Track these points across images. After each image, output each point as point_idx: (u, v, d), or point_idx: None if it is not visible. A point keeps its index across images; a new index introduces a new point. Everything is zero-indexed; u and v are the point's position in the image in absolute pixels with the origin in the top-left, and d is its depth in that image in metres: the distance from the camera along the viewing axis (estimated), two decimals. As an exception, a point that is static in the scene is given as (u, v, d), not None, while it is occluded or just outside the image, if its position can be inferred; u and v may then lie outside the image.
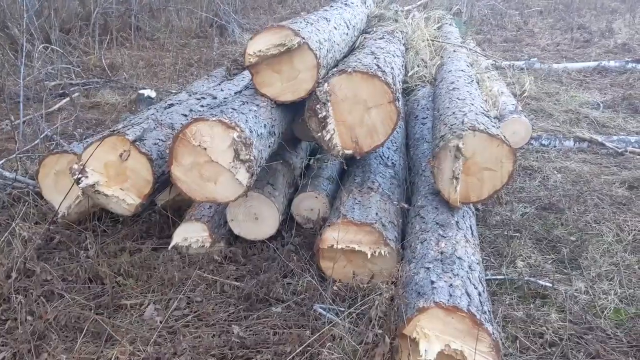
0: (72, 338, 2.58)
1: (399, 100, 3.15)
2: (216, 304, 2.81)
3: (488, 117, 3.24)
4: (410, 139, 4.40)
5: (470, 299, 2.26)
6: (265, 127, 2.85)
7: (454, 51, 5.56)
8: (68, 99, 6.09)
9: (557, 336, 2.57)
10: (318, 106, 3.01)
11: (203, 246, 3.21)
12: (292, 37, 2.95)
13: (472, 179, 2.96)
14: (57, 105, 5.99)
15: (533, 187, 4.20)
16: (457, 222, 2.89)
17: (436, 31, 6.89)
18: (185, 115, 3.60)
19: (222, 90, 4.33)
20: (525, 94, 5.98)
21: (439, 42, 5.90)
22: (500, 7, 12.20)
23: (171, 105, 3.85)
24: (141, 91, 6.20)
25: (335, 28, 3.67)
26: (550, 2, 12.72)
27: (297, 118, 3.49)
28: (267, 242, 3.25)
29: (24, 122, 4.89)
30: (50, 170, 3.40)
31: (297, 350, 2.31)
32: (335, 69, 3.14)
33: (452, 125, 3.08)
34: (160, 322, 2.67)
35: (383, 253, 2.83)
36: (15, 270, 2.93)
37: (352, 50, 4.17)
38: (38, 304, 2.74)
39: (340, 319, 2.41)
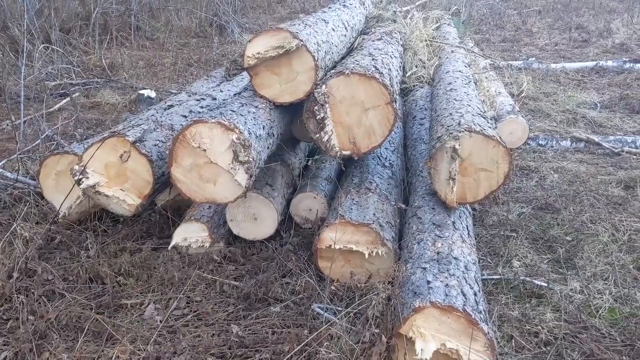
0: (73, 337, 2.61)
1: (396, 102, 3.18)
2: (215, 304, 2.84)
3: (484, 118, 3.28)
4: (408, 140, 4.43)
5: (465, 298, 2.29)
6: (264, 128, 2.89)
7: (452, 52, 5.59)
8: (68, 99, 6.12)
9: (552, 335, 2.61)
10: (316, 107, 3.04)
11: (203, 246, 3.24)
12: (290, 39, 2.98)
13: (469, 179, 3.00)
14: (57, 105, 6.02)
15: (530, 187, 4.24)
16: (453, 223, 2.92)
17: (434, 31, 6.93)
18: (185, 117, 3.63)
19: (221, 91, 4.36)
20: (522, 94, 6.01)
21: (437, 42, 5.93)
22: (499, 6, 12.23)
23: (171, 106, 3.87)
24: (141, 91, 6.24)
25: (334, 30, 3.71)
26: (548, 1, 12.74)
27: (295, 119, 3.53)
28: (266, 242, 3.29)
29: (24, 122, 4.91)
30: (51, 171, 3.43)
31: (296, 350, 2.35)
32: (333, 71, 3.17)
33: (448, 126, 3.11)
34: (160, 322, 2.70)
35: (380, 253, 2.87)
36: (17, 270, 2.96)
37: (350, 51, 4.20)
38: (39, 303, 2.77)
39: (338, 319, 2.44)
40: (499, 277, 3.06)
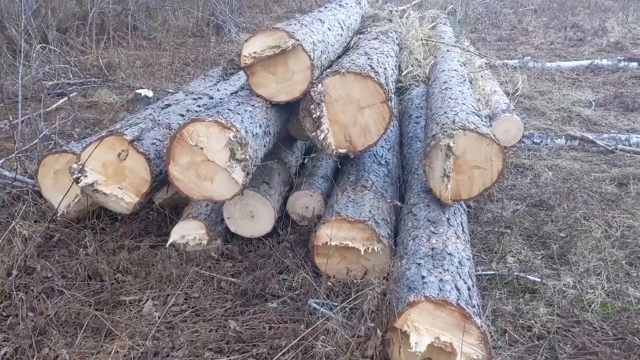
0: (73, 333, 2.64)
1: (391, 100, 3.22)
2: (213, 300, 2.88)
3: (479, 116, 3.31)
4: (404, 138, 4.47)
5: (459, 293, 2.33)
6: (260, 127, 2.92)
7: (448, 51, 5.63)
8: (66, 98, 6.14)
9: (545, 329, 2.65)
10: (312, 106, 3.08)
11: (200, 244, 3.27)
12: (286, 39, 3.01)
13: (463, 177, 3.03)
14: (55, 105, 6.04)
15: (524, 185, 4.28)
16: (448, 219, 2.96)
17: (430, 31, 6.97)
18: (182, 115, 3.66)
19: (218, 90, 4.39)
20: (517, 93, 6.05)
21: (432, 41, 5.96)
22: (495, 5, 12.27)
23: (168, 105, 3.90)
24: (138, 91, 6.26)
25: (330, 29, 3.74)
26: (544, 0, 12.79)
27: (292, 118, 3.56)
28: (263, 240, 3.32)
29: (22, 121, 4.94)
30: (50, 170, 3.46)
31: (292, 344, 2.38)
32: (329, 70, 3.20)
33: (443, 124, 3.15)
34: (159, 318, 2.73)
35: (376, 249, 2.90)
36: (16, 267, 2.99)
37: (346, 50, 4.23)
38: (39, 300, 2.80)
39: (334, 313, 2.47)
40: (493, 272, 3.10)
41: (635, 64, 7.75)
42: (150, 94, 6.21)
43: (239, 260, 3.22)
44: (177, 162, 2.77)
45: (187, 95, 4.41)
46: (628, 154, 4.87)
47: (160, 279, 3.03)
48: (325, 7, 4.44)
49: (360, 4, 5.32)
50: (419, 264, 2.53)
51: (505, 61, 7.62)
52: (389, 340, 2.30)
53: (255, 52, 3.04)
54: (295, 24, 3.24)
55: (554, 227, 3.61)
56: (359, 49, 3.96)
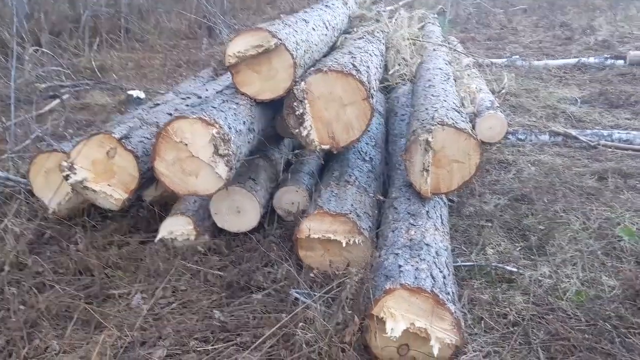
0: (63, 326, 2.72)
1: (373, 97, 3.31)
2: (200, 292, 2.96)
3: (459, 112, 3.41)
4: (390, 135, 4.57)
5: (434, 281, 2.42)
6: (244, 124, 3.01)
7: (434, 50, 5.73)
8: (58, 100, 6.22)
9: (520, 317, 2.74)
10: (295, 104, 3.17)
11: (188, 239, 3.35)
12: (269, 38, 3.10)
13: (442, 171, 3.13)
14: (47, 107, 6.11)
15: (507, 180, 4.37)
16: (427, 212, 3.05)
17: (419, 30, 7.08)
18: (170, 114, 3.74)
19: (207, 90, 4.49)
20: (503, 91, 6.15)
21: (419, 41, 6.06)
22: (486, 5, 12.39)
23: (157, 104, 3.99)
24: (130, 92, 6.34)
25: (314, 29, 3.83)
26: (535, 0, 12.92)
27: (278, 116, 3.65)
28: (250, 234, 3.41)
29: (15, 123, 5.02)
30: (41, 169, 3.54)
31: (271, 331, 2.47)
32: (312, 68, 3.29)
33: (423, 120, 3.24)
34: (147, 310, 2.82)
35: (357, 242, 2.99)
36: (8, 264, 3.07)
37: (332, 49, 4.33)
38: (30, 294, 2.88)
39: (313, 301, 2.56)
40: (472, 263, 3.19)
41: (621, 61, 7.87)
42: (142, 95, 6.29)
43: (226, 254, 3.30)
44: (163, 158, 2.86)
45: (177, 95, 4.50)
46: (610, 150, 4.97)
47: (148, 273, 3.11)
48: (312, 8, 4.54)
49: (346, 4, 5.41)
50: (397, 254, 2.62)
51: (492, 60, 7.73)
52: (367, 327, 2.39)
53: (239, 52, 3.13)
54: (278, 24, 3.33)
55: (533, 220, 3.70)
56: (343, 48, 4.05)
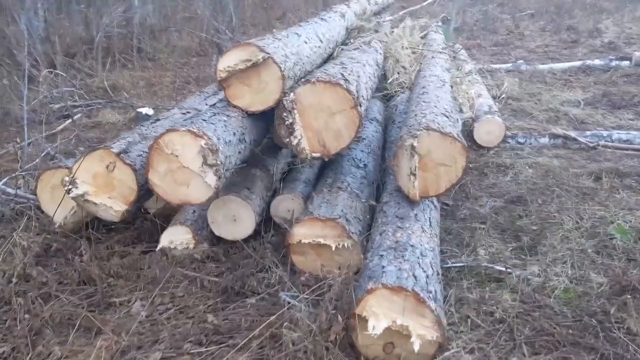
0: (66, 333, 2.83)
1: (361, 106, 3.40)
2: (196, 298, 3.07)
3: (448, 117, 3.48)
4: (387, 142, 4.66)
5: (416, 280, 2.49)
6: (234, 135, 3.13)
7: (433, 57, 5.81)
8: (70, 120, 6.43)
9: (506, 314, 2.79)
10: (285, 114, 3.28)
11: (187, 248, 3.47)
12: (257, 52, 3.23)
13: (430, 174, 3.20)
14: (60, 127, 6.32)
15: (504, 183, 4.42)
16: (415, 215, 3.13)
17: (422, 39, 7.17)
18: (170, 129, 3.88)
19: (207, 104, 4.63)
20: (503, 95, 6.20)
21: (419, 49, 6.15)
22: (493, 12, 12.44)
23: (158, 120, 4.14)
24: (140, 109, 6.54)
25: (306, 42, 3.95)
26: (542, 4, 12.93)
27: (272, 127, 3.77)
28: (246, 242, 3.51)
29: (28, 144, 5.22)
30: (47, 185, 3.69)
31: (257, 330, 2.56)
32: (302, 80, 3.41)
33: (411, 126, 3.33)
34: (146, 316, 2.93)
35: (347, 246, 3.08)
36: (16, 275, 3.22)
37: (327, 60, 4.45)
38: (35, 304, 3.02)
39: (298, 301, 2.65)
40: (462, 264, 3.25)
41: (627, 62, 7.86)
42: (150, 112, 6.48)
43: (223, 261, 3.41)
44: (156, 169, 2.99)
45: (180, 110, 4.65)
46: (609, 150, 4.99)
47: (148, 281, 3.23)
48: (307, 22, 4.67)
49: (344, 17, 5.53)
50: (382, 255, 2.70)
51: (494, 65, 7.78)
52: (353, 326, 2.47)
53: (229, 66, 3.26)
54: (268, 39, 3.46)
55: (527, 221, 3.74)
56: (337, 59, 4.17)
